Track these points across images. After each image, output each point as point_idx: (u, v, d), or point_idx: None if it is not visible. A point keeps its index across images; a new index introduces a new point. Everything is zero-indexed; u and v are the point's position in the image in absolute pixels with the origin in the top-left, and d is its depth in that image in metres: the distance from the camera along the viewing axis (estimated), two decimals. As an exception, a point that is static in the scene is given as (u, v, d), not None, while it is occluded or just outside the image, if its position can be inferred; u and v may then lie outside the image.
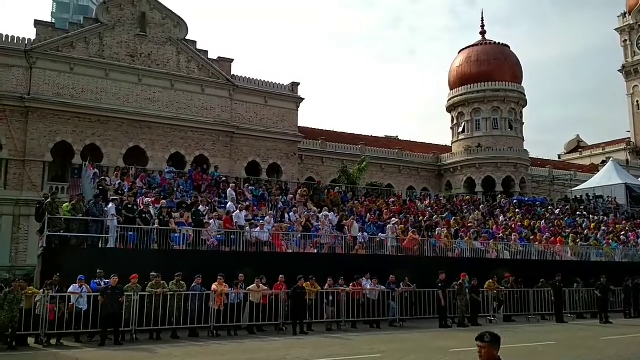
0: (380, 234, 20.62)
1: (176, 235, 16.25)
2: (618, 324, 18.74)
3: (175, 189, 20.41)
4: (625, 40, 68.80)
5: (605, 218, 33.14)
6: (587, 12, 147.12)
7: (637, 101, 67.54)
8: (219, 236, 17.04)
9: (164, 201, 17.62)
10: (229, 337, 14.36)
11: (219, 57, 37.51)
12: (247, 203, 19.91)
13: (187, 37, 36.16)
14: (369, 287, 17.03)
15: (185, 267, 14.76)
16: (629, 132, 68.33)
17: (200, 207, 17.94)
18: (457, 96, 51.49)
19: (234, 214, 18.08)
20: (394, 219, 21.97)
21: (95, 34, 33.45)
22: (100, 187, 18.02)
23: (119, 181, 19.71)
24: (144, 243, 15.69)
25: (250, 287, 15.09)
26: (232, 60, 37.96)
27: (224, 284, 14.67)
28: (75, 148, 31.98)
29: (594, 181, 44.01)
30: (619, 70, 69.57)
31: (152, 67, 34.57)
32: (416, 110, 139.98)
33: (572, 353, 12.61)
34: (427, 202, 28.84)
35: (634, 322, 19.29)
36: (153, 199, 17.88)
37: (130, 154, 33.26)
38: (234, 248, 17.13)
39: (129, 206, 16.34)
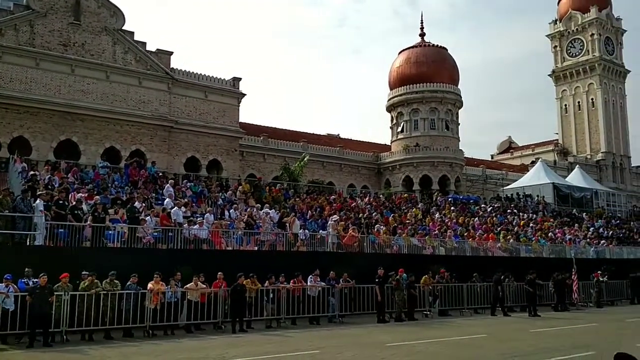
0: (321, 231, 20.74)
1: (110, 232, 15.68)
2: (546, 317, 19.71)
3: (110, 185, 19.72)
4: (556, 46, 72.37)
5: (534, 216, 34.79)
6: (522, 18, 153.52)
7: (565, 105, 71.24)
8: (156, 233, 16.59)
9: (97, 197, 16.97)
10: (166, 336, 14.02)
11: (157, 49, 36.46)
12: (186, 199, 19.52)
13: (124, 28, 34.90)
14: (309, 283, 17.09)
15: (119, 265, 14.26)
16: (557, 134, 72.02)
17: (136, 204, 17.38)
18: (396, 96, 52.47)
19: (171, 211, 17.67)
20: (334, 216, 22.14)
21: (26, 22, 31.71)
22: (29, 182, 17.13)
23: (49, 176, 18.81)
24: (75, 240, 15.05)
25: (188, 285, 14.79)
26: (171, 53, 37.02)
27: (161, 282, 14.29)
28: (2, 140, 30.22)
29: (524, 180, 46.10)
30: (549, 75, 73.13)
31: (86, 57, 33.16)
32: (358, 109, 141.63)
33: (504, 345, 13.13)
34: (366, 199, 29.28)
35: (561, 315, 20.36)
36: (86, 194, 17.19)
37: (61, 148, 31.78)
38: (172, 246, 16.71)
39: (60, 202, 15.62)
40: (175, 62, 39.77)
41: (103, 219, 15.77)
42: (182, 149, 36.66)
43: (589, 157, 67.13)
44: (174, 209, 17.84)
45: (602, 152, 66.99)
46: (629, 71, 72.87)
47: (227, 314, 15.25)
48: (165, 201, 18.86)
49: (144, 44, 35.72)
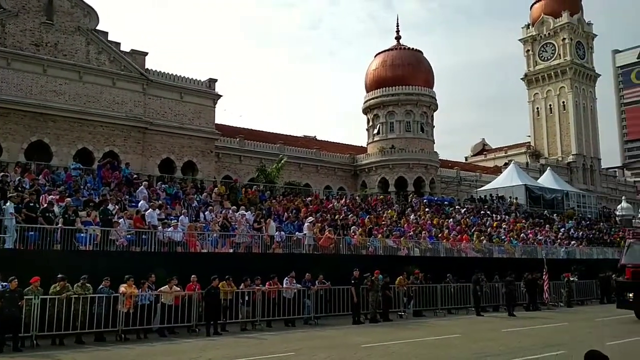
0: (297, 233, 20.73)
1: (82, 235, 15.42)
2: (518, 317, 20.04)
3: (82, 187, 19.38)
4: (528, 50, 73.73)
5: (507, 217, 35.36)
6: (496, 23, 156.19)
7: (537, 108, 72.60)
8: (129, 236, 16.38)
9: (69, 199, 16.65)
10: (139, 340, 13.85)
11: (132, 50, 36.03)
12: (160, 201, 19.30)
13: (97, 28, 34.41)
14: (285, 285, 17.07)
15: (91, 268, 14.06)
16: (529, 136, 73.35)
17: (109, 206, 17.15)
18: (372, 99, 52.81)
19: (146, 213, 17.47)
20: (310, 217, 22.17)
21: (-4, 20, 31.03)
22: (-2, 184, 16.75)
23: (20, 177, 18.41)
24: (46, 243, 14.77)
25: (162, 288, 14.64)
26: (146, 54, 36.63)
27: (134, 285, 14.12)
28: (-30, 141, 29.53)
29: (497, 182, 46.82)
30: (521, 79, 74.45)
31: (59, 57, 32.59)
32: (335, 111, 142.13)
33: (477, 345, 13.31)
34: (343, 201, 29.38)
35: (532, 315, 20.71)
36: (57, 196, 16.87)
37: (32, 149, 31.15)
38: (145, 248, 16.52)
39: (30, 204, 15.31)
40: (150, 63, 39.47)
41: (74, 221, 15.51)
42: (157, 151, 36.28)
43: (560, 159, 68.49)
44: (148, 211, 17.64)
45: (573, 155, 68.43)
46: (599, 75, 74.66)
47: (201, 317, 15.14)
48: (140, 203, 18.63)
49: (118, 44, 35.28)
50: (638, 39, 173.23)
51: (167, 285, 14.65)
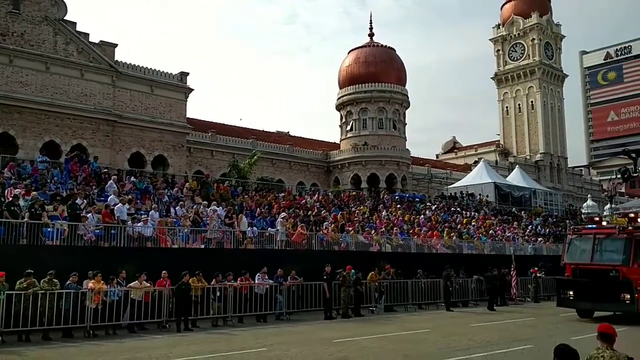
0: (269, 229, 20.68)
1: (49, 229, 15.09)
2: (486, 312, 20.41)
3: (49, 180, 18.93)
4: (499, 50, 74.91)
5: (476, 214, 35.92)
6: (468, 22, 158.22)
7: (507, 107, 73.89)
8: (98, 231, 16.09)
9: (35, 193, 16.25)
10: (107, 337, 13.63)
11: (101, 41, 35.27)
12: (130, 196, 19.00)
13: (66, 18, 33.58)
14: (257, 281, 17.01)
15: (59, 263, 13.78)
16: (499, 135, 74.63)
17: (77, 200, 16.80)
18: (345, 95, 52.94)
19: (115, 208, 17.17)
20: (283, 213, 22.13)
21: (-42, 8, 30.01)
22: (-40, 177, 16.24)
23: (-17, 170, 17.90)
24: (12, 238, 14.40)
25: (131, 284, 14.43)
26: (115, 45, 35.90)
27: (102, 281, 13.88)
28: None
29: (467, 180, 47.55)
30: (491, 78, 75.62)
31: (25, 47, 31.68)
32: (308, 107, 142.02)
33: (446, 339, 13.51)
34: (315, 197, 29.40)
35: (500, 310, 21.08)
36: (23, 190, 16.45)
37: (-4, 141, 30.29)
38: (115, 243, 16.26)
39: (-6, 198, 14.90)
40: (120, 55, 38.76)
41: (41, 215, 15.15)
42: (127, 144, 35.66)
43: (528, 157, 69.88)
44: (118, 205, 17.34)
45: (540, 153, 69.89)
46: (566, 75, 76.37)
47: (172, 313, 14.99)
48: (109, 198, 18.30)
49: (86, 35, 34.50)
50: (605, 41, 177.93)
51: (136, 281, 14.44)
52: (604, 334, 4.90)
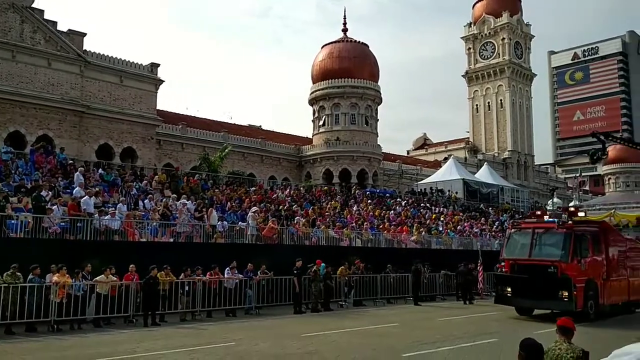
0: (240, 223, 20.58)
1: (13, 222, 14.72)
2: (452, 306, 20.74)
3: (13, 171, 18.45)
4: (470, 48, 75.84)
5: (445, 210, 36.43)
6: (442, 20, 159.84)
7: (477, 105, 74.96)
8: (63, 223, 15.77)
9: (-2, 184, 15.85)
10: (72, 331, 13.41)
11: (69, 30, 34.44)
12: (97, 188, 18.66)
13: (33, 5, 32.66)
14: (226, 275, 16.93)
15: (22, 257, 13.46)
16: (468, 132, 75.71)
17: (42, 192, 16.43)
18: (318, 90, 52.89)
19: (81, 200, 16.84)
20: (254, 207, 22.05)
21: None
22: None
23: (-57, 160, 17.34)
24: (-27, 230, 14.02)
25: (97, 277, 14.19)
26: (84, 34, 35.10)
27: (67, 275, 13.62)
28: None
29: (437, 176, 48.16)
30: (462, 76, 76.58)
31: (-11, 34, 30.74)
32: (281, 101, 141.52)
33: (414, 333, 13.71)
34: (287, 191, 29.38)
35: (467, 304, 21.46)
36: (-15, 181, 16.01)
37: (-43, 130, 29.33)
38: (80, 237, 15.96)
39: (-45, 189, 14.45)
40: (89, 45, 37.92)
41: (5, 207, 14.76)
42: (94, 136, 34.96)
43: (496, 155, 71.11)
44: (84, 198, 17.02)
45: (508, 151, 71.18)
46: (535, 75, 77.85)
47: (139, 307, 14.80)
48: (75, 190, 17.94)
49: (54, 23, 33.63)
50: (573, 41, 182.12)
51: (103, 275, 14.21)
52: (563, 328, 5.07)
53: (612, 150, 75.25)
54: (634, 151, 75.94)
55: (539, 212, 19.28)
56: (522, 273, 16.31)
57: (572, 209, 18.45)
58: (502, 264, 17.39)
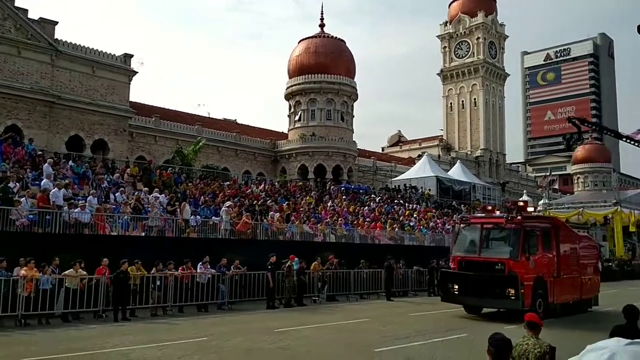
0: (213, 217, 20.42)
1: (-22, 214, 14.33)
2: (424, 302, 20.94)
3: (-21, 162, 17.96)
4: (445, 47, 76.48)
5: (418, 206, 36.76)
6: (417, 18, 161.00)
7: (451, 103, 75.71)
8: (31, 216, 15.42)
9: (-37, 175, 15.41)
10: (40, 326, 13.14)
11: (40, 18, 33.60)
12: (67, 181, 18.29)
13: (1, -9, 31.77)
14: (199, 270, 16.79)
15: (-12, 249, 13.13)
16: (442, 130, 76.48)
17: (10, 184, 16.02)
18: (294, 85, 52.75)
19: (51, 192, 16.48)
20: (228, 202, 21.90)
21: None
22: None
23: None
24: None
25: (66, 271, 13.92)
26: (55, 23, 34.28)
27: (35, 268, 13.33)
28: None
29: (411, 173, 48.55)
30: (437, 74, 77.24)
31: (-46, 19, 29.81)
32: (256, 95, 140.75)
33: (386, 328, 13.81)
34: (262, 186, 29.25)
35: (437, 300, 21.68)
36: (-50, 172, 15.54)
37: None
38: (49, 229, 15.63)
39: None
40: (61, 33, 37.09)
41: (-31, 199, 14.37)
42: (65, 127, 34.24)
43: (469, 153, 72.01)
44: (53, 190, 16.66)
45: (481, 149, 72.15)
46: (508, 75, 78.96)
47: (109, 302, 14.58)
48: (43, 181, 17.54)
49: (25, 11, 32.79)
50: (545, 42, 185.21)
51: (72, 269, 13.95)
52: (530, 323, 5.18)
53: (580, 150, 77.01)
54: (602, 151, 77.84)
55: (489, 207, 18.32)
56: (470, 270, 15.63)
57: (521, 203, 17.40)
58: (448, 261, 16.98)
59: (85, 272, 14.19)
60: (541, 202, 56.17)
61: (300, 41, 55.45)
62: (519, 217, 15.61)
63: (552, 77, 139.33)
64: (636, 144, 25.45)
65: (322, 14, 57.79)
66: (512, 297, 14.62)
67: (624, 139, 24.51)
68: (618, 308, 17.74)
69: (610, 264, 36.21)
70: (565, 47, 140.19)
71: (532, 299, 14.85)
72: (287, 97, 54.05)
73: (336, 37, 55.31)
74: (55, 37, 34.00)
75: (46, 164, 19.14)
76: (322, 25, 56.82)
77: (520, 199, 54.93)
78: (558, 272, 16.30)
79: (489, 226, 16.12)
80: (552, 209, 46.75)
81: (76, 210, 16.31)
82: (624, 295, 22.17)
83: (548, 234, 16.40)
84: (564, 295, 16.52)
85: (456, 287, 16.01)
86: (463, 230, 17.15)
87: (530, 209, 17.64)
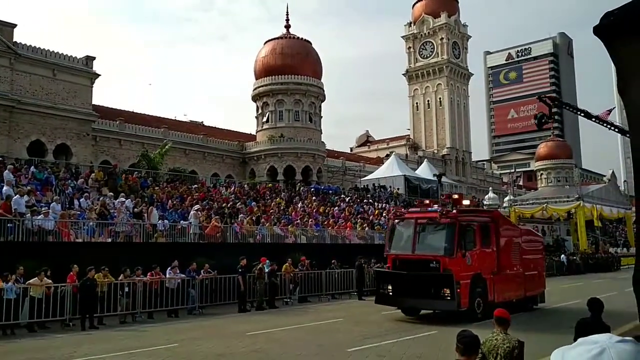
0: (182, 221, 20.15)
1: None
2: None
3: None
4: (410, 48, 77.40)
5: (387, 205, 37.06)
6: (383, 19, 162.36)
7: (417, 103, 76.65)
8: (-7, 224, 14.93)
9: None
10: (5, 337, 12.74)
11: (-3, 20, 32.63)
12: (29, 187, 17.78)
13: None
14: (168, 275, 16.54)
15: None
16: (409, 129, 77.35)
17: (-32, 191, 15.49)
18: (261, 86, 52.53)
19: (12, 200, 15.99)
20: (196, 205, 21.65)
21: None
22: None
23: None
24: None
25: (31, 280, 13.52)
26: (14, 26, 33.30)
27: (-2, 278, 12.91)
28: None
29: (379, 172, 48.94)
30: (403, 74, 78.07)
31: None
32: (224, 97, 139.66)
33: (359, 327, 13.86)
34: (231, 189, 29.02)
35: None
36: None
37: None
38: (12, 238, 15.17)
39: None
40: (20, 36, 36.04)
41: None
42: (25, 132, 33.29)
43: (436, 151, 73.03)
44: (15, 197, 16.17)
45: (447, 148, 73.27)
46: (472, 74, 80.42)
47: (76, 310, 14.22)
48: (4, 188, 17.01)
49: (-21, 12, 31.73)
50: (507, 42, 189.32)
51: (36, 278, 13.56)
52: (499, 319, 5.28)
53: (543, 147, 78.92)
54: (564, 148, 79.90)
55: (427, 201, 17.15)
56: (405, 269, 14.69)
57: (456, 196, 16.50)
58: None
59: (50, 281, 13.81)
60: (507, 198, 57.33)
61: (266, 42, 55.25)
62: (453, 211, 14.76)
63: (514, 76, 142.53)
64: (604, 124, 25.88)
65: (287, 14, 57.73)
66: (448, 297, 13.71)
67: (594, 119, 24.70)
68: (568, 304, 17.52)
69: (574, 257, 37.17)
70: (526, 46, 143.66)
71: (469, 299, 13.95)
72: (254, 98, 53.78)
73: (302, 38, 55.30)
74: (14, 40, 33.03)
75: (7, 171, 18.54)
76: (287, 27, 56.74)
77: (487, 196, 56.05)
78: (499, 268, 15.32)
79: (423, 221, 14.99)
80: (517, 205, 47.74)
81: (39, 217, 15.87)
82: (589, 288, 22.85)
83: (487, 228, 15.35)
84: (505, 292, 15.36)
85: (390, 287, 15.03)
86: (398, 226, 15.95)
87: (466, 202, 16.21)
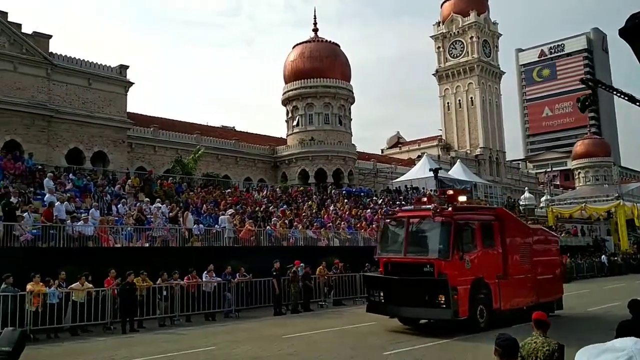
0: (216, 226, 20.40)
1: (-18, 230, 14.31)
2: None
3: (-20, 179, 17.96)
4: (439, 47, 76.65)
5: (421, 207, 36.68)
6: (409, 20, 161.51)
7: (448, 103, 75.83)
8: (35, 231, 15.40)
9: (-35, 192, 15.40)
10: (49, 340, 13.11)
11: (34, 32, 33.64)
12: (69, 194, 18.28)
13: (-5, 7, 31.84)
14: (204, 279, 16.76)
15: (-7, 266, 13.10)
16: (441, 130, 76.55)
17: (12, 199, 16.01)
18: (291, 90, 52.79)
19: (54, 207, 16.46)
20: (230, 209, 21.89)
21: None
22: None
23: None
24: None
25: (73, 285, 13.90)
26: (50, 37, 34.31)
27: (41, 283, 13.31)
28: None
29: (411, 174, 48.59)
30: (433, 74, 77.37)
31: (-50, 37, 29.84)
32: (254, 101, 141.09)
33: (392, 331, 13.74)
34: (263, 193, 29.25)
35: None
36: (-49, 189, 15.53)
37: None
38: (53, 244, 15.61)
39: None
40: (55, 47, 37.13)
41: (-28, 216, 14.35)
42: (64, 140, 34.23)
43: (468, 152, 72.05)
44: (56, 204, 16.64)
45: (480, 148, 72.19)
46: (504, 72, 79.13)
47: (116, 314, 14.55)
48: (46, 196, 17.54)
49: (19, 25, 32.81)
50: (539, 39, 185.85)
51: (78, 282, 13.93)
52: (538, 321, 5.16)
53: (580, 145, 77.11)
54: (602, 145, 77.91)
55: (424, 199, 15.36)
56: (397, 274, 13.26)
57: (450, 192, 15.05)
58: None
59: (91, 285, 14.17)
60: (543, 198, 56.18)
61: (294, 46, 55.51)
62: (449, 209, 13.30)
63: (547, 73, 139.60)
64: None
65: (315, 18, 57.84)
66: (443, 305, 12.32)
67: (638, 104, 23.93)
68: (608, 306, 16.74)
69: (615, 258, 36.16)
70: (559, 43, 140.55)
71: (469, 306, 12.57)
72: (284, 102, 54.07)
73: (330, 41, 55.35)
74: (50, 50, 34.04)
75: (47, 178, 19.13)
76: (315, 30, 56.88)
77: (522, 196, 55.02)
78: (505, 272, 13.83)
79: (415, 220, 13.62)
80: (554, 204, 46.71)
81: (79, 223, 16.30)
82: (630, 289, 22.18)
83: (489, 228, 13.88)
84: (514, 299, 13.94)
85: (382, 294, 13.71)
86: (390, 226, 14.57)
87: (462, 198, 14.63)
